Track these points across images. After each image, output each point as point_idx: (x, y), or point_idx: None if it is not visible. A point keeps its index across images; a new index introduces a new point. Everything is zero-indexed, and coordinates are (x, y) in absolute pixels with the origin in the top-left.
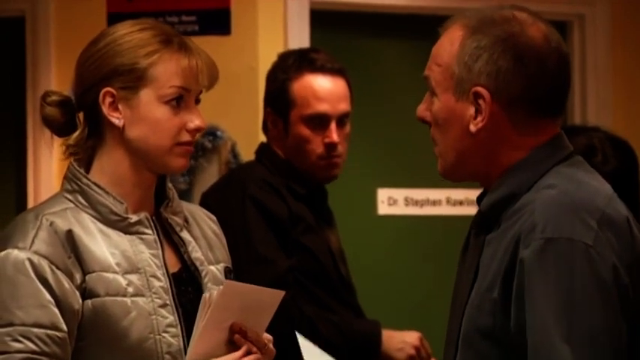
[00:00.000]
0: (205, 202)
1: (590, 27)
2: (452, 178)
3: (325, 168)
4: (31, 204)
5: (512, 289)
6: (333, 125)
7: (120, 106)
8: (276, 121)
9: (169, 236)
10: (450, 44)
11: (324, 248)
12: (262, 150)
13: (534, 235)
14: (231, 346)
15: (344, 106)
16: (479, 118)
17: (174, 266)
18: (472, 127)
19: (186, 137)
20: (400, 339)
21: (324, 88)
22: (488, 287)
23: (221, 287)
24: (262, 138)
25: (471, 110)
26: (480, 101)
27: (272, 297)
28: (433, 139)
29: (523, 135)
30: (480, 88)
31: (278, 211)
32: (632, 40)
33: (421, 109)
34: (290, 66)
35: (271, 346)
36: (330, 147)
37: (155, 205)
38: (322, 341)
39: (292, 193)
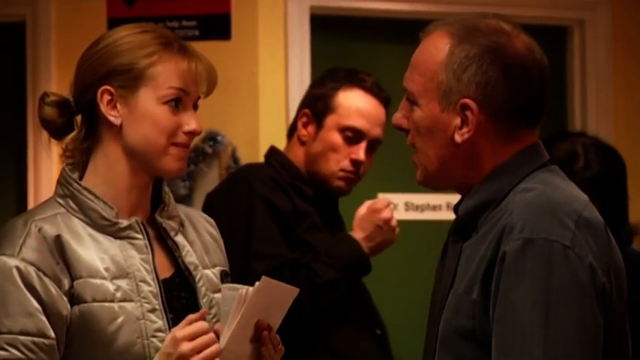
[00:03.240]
0: (211, 201)
1: (590, 32)
2: (431, 185)
3: (342, 179)
4: (31, 206)
5: (491, 290)
6: (364, 144)
7: (118, 105)
8: (309, 124)
9: (164, 241)
10: (435, 52)
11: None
12: (272, 153)
13: (513, 236)
14: (255, 343)
15: (379, 132)
16: (465, 129)
17: (167, 271)
18: (457, 138)
19: (181, 138)
20: (373, 223)
21: (368, 108)
22: (466, 289)
23: (257, 283)
24: (262, 142)
25: (457, 121)
26: (467, 112)
27: (290, 293)
28: (413, 146)
29: (505, 144)
30: (468, 100)
31: (283, 208)
32: (633, 45)
33: (397, 117)
34: (342, 77)
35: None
36: (355, 164)
37: (151, 210)
38: (322, 284)
39: (299, 194)
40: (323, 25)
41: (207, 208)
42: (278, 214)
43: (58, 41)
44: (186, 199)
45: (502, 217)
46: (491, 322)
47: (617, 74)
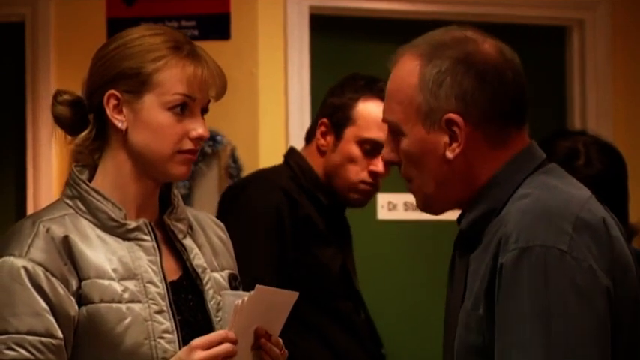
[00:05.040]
0: (224, 202)
1: (589, 32)
2: (433, 210)
3: (361, 192)
4: (30, 206)
5: (495, 304)
6: None
7: (124, 109)
8: (328, 134)
9: (172, 243)
10: (407, 76)
11: (338, 261)
12: (291, 154)
13: (508, 246)
14: (256, 350)
15: None
16: (454, 145)
17: (175, 273)
18: (449, 154)
19: (188, 145)
20: None
21: None
22: (473, 305)
23: (252, 292)
24: (262, 142)
25: (445, 138)
26: (454, 128)
27: (289, 298)
28: (406, 178)
29: (497, 150)
30: (452, 115)
31: (291, 224)
32: (633, 45)
33: (386, 152)
34: (362, 87)
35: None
36: (375, 176)
37: (160, 211)
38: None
39: (315, 202)
40: (322, 25)
41: (222, 207)
42: (282, 230)
43: (57, 41)
44: (185, 199)
45: (500, 228)
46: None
47: (617, 74)
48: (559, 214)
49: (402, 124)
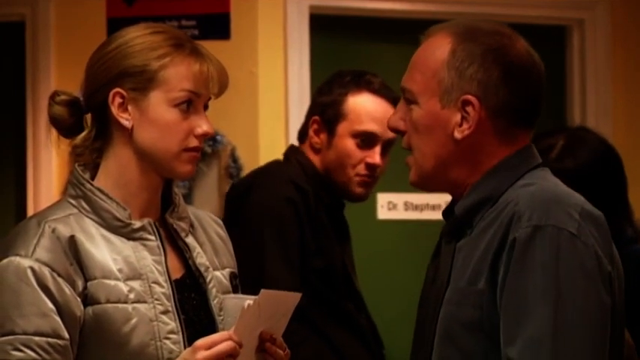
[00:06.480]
0: (234, 200)
1: (589, 32)
2: (425, 186)
3: (360, 184)
4: (30, 206)
5: (499, 278)
6: (378, 148)
7: (129, 108)
8: (320, 131)
9: (174, 242)
10: (437, 51)
11: (339, 259)
12: (292, 151)
13: (521, 223)
14: (261, 354)
15: (392, 133)
16: (465, 126)
17: (178, 272)
18: (457, 134)
19: (194, 143)
20: None
21: (378, 110)
22: (470, 281)
23: (257, 297)
24: (262, 142)
25: (457, 117)
26: (469, 109)
27: (292, 300)
28: (409, 147)
29: (503, 143)
30: (469, 96)
31: (307, 214)
32: (632, 44)
33: (394, 119)
34: (348, 82)
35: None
36: (371, 168)
37: (161, 211)
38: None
39: (318, 199)
40: (322, 24)
41: (230, 207)
42: (299, 226)
43: (57, 40)
44: (185, 199)
45: (505, 209)
46: (499, 310)
47: (616, 73)
48: (566, 202)
49: (418, 95)
